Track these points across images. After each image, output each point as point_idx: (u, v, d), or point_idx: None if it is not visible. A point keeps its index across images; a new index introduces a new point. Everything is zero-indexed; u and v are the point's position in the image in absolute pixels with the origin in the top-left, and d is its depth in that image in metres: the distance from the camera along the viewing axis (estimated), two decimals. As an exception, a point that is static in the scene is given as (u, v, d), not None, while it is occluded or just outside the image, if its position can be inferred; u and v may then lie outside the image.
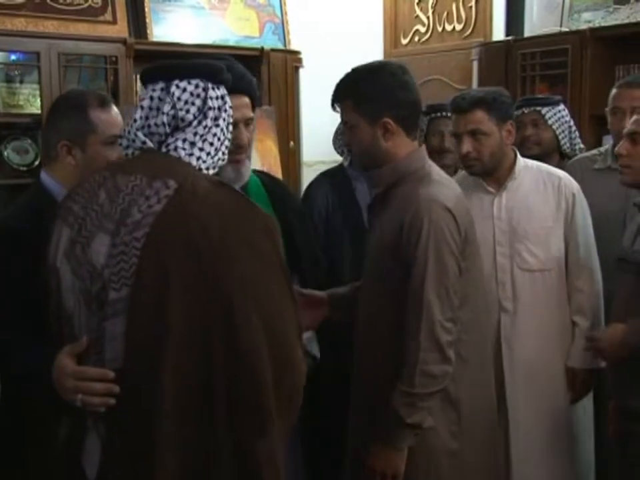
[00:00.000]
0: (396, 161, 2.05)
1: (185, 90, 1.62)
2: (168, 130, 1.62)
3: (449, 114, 2.67)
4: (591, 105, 3.62)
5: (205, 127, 1.62)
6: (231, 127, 1.70)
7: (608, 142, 3.16)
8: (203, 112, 1.63)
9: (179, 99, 1.61)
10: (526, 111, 3.10)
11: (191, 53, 3.59)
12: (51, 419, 1.68)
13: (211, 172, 1.65)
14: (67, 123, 1.98)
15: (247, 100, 2.12)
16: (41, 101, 3.41)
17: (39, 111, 3.43)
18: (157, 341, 1.47)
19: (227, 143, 1.69)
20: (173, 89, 1.62)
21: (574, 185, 2.59)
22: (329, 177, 2.90)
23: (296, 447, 2.31)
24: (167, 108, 1.61)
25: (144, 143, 1.61)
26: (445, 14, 4.85)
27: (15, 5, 3.55)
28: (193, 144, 1.61)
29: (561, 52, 3.78)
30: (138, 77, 3.70)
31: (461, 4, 4.77)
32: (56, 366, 1.57)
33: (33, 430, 1.81)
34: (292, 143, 4.12)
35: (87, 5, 3.75)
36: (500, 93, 2.53)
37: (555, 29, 4.06)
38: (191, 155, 1.61)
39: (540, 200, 2.55)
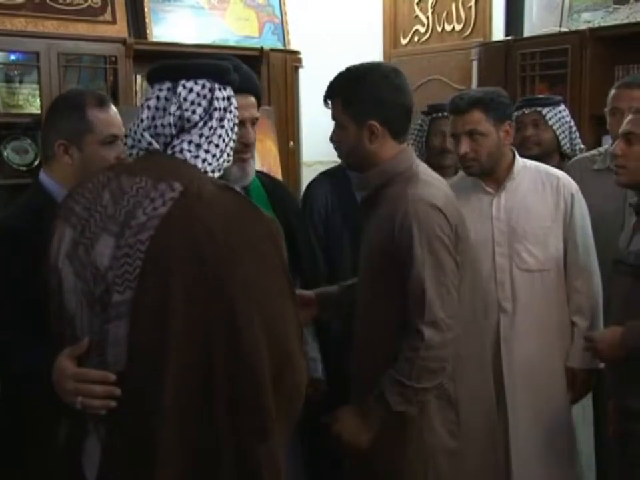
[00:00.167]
0: (381, 163, 2.06)
1: (191, 90, 1.61)
2: (174, 131, 1.61)
3: (450, 114, 2.68)
4: (590, 105, 3.61)
5: (211, 127, 1.61)
6: (236, 128, 1.69)
7: (607, 142, 3.15)
8: (208, 113, 1.62)
9: (185, 99, 1.60)
10: (526, 111, 3.10)
11: (190, 53, 3.59)
12: (51, 419, 1.67)
13: (217, 175, 1.65)
14: (65, 122, 1.97)
15: (253, 100, 2.14)
16: (41, 100, 3.41)
17: (39, 111, 3.43)
18: (160, 344, 1.46)
19: (231, 144, 1.68)
20: (180, 89, 1.61)
21: (573, 185, 2.59)
22: (328, 176, 2.90)
23: (296, 447, 2.31)
24: (173, 108, 1.60)
25: (150, 144, 1.61)
26: (445, 14, 4.85)
27: (14, 5, 3.55)
28: (198, 146, 1.60)
29: (560, 52, 3.78)
30: (138, 77, 3.71)
31: (460, 4, 4.76)
32: (56, 368, 1.56)
33: (33, 430, 1.81)
34: (291, 143, 4.12)
35: (86, 4, 3.75)
36: (498, 94, 2.53)
37: (555, 29, 4.06)
38: (197, 157, 1.60)
39: (539, 200, 2.54)
